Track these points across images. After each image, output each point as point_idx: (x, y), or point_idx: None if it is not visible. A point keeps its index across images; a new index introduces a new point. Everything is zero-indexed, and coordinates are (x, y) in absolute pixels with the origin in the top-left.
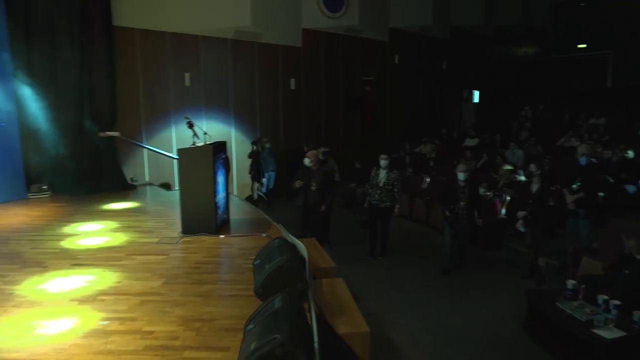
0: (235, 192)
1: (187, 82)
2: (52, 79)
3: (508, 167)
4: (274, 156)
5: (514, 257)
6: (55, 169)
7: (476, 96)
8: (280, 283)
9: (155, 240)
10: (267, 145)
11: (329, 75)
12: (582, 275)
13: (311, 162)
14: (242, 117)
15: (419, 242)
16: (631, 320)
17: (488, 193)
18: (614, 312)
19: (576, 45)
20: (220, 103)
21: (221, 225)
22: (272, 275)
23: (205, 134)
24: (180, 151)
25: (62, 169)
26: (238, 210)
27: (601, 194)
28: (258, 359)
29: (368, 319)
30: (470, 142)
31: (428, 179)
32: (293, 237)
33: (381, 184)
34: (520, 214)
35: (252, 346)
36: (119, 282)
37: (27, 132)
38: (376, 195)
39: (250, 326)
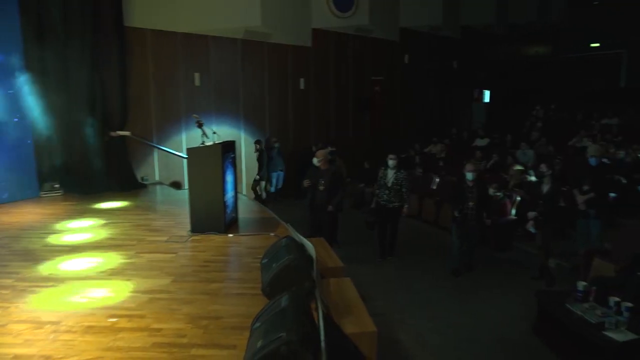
0: (244, 192)
1: (197, 82)
2: (64, 78)
3: (518, 167)
4: (282, 156)
5: (523, 258)
6: (67, 168)
7: (487, 96)
8: (287, 282)
9: (165, 238)
10: (276, 145)
11: (338, 75)
12: (593, 277)
13: (319, 161)
14: (251, 116)
15: (428, 242)
16: None
17: (498, 193)
18: (625, 314)
19: (589, 45)
20: (229, 103)
21: (230, 224)
22: (279, 274)
23: (214, 133)
24: (190, 150)
25: (73, 168)
26: (247, 210)
27: (613, 194)
28: (264, 357)
29: (376, 319)
30: (481, 142)
31: (437, 179)
32: (301, 237)
33: (389, 184)
34: (531, 214)
35: (258, 344)
36: (128, 280)
37: (40, 131)
38: (384, 196)
39: (257, 324)
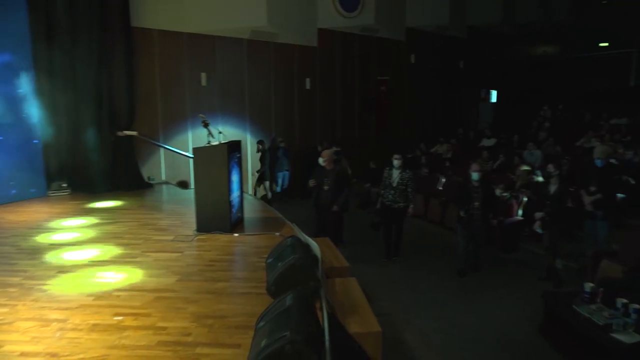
0: (249, 192)
1: (204, 82)
2: (72, 77)
3: (525, 167)
4: (288, 156)
5: (530, 258)
6: (74, 168)
7: (494, 96)
8: (292, 281)
9: (171, 237)
10: (282, 145)
11: (344, 75)
12: (601, 278)
13: (324, 161)
14: (257, 116)
15: (433, 242)
16: None
17: (505, 194)
18: (633, 316)
19: (598, 44)
20: (235, 103)
21: (235, 224)
22: (284, 273)
23: (220, 132)
24: (196, 150)
25: (81, 168)
26: (252, 209)
27: (621, 195)
28: (268, 356)
29: (381, 319)
30: (488, 142)
31: (444, 179)
32: (307, 236)
33: (395, 184)
34: (538, 215)
35: (263, 343)
36: (134, 279)
37: (48, 131)
38: (390, 196)
39: (261, 323)
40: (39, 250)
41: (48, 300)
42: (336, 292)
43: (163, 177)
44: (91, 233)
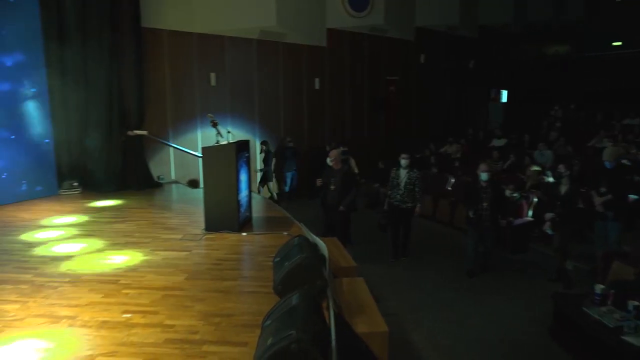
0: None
1: (213, 82)
2: (83, 77)
3: (536, 168)
4: (296, 156)
5: (540, 259)
6: (85, 167)
7: (504, 96)
8: (298, 280)
9: (179, 236)
10: (290, 145)
11: (353, 75)
12: (612, 280)
13: (332, 161)
14: (266, 116)
15: (442, 243)
16: None
17: (515, 194)
18: None
19: (611, 43)
20: (245, 103)
21: (243, 223)
22: (290, 273)
23: (229, 132)
24: (205, 149)
25: (91, 167)
26: (261, 209)
27: (634, 196)
28: (274, 355)
29: (389, 319)
30: (498, 142)
31: (453, 180)
32: (314, 236)
33: (402, 184)
34: (548, 215)
35: (269, 342)
36: (142, 277)
37: (59, 130)
38: (397, 196)
39: (268, 322)
40: (49, 248)
41: (58, 297)
42: (343, 292)
43: (173, 177)
44: (101, 231)
